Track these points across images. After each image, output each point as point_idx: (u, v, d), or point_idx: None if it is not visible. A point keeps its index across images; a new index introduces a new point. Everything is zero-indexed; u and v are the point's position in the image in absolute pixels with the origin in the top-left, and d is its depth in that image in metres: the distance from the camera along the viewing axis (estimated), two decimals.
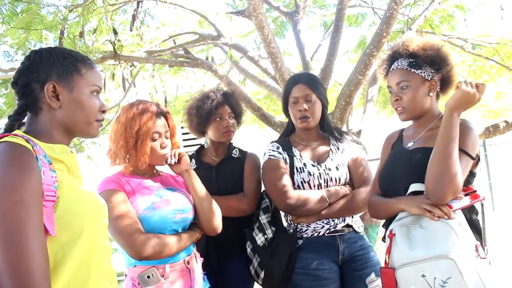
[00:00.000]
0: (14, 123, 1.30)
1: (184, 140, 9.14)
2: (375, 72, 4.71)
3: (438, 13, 5.50)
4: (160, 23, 6.04)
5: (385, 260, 1.77)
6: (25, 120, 1.34)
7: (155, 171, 2.07)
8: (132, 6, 5.33)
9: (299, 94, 2.32)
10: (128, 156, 1.93)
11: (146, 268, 1.82)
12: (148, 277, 1.80)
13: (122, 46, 4.88)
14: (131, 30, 5.29)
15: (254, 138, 6.12)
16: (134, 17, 5.34)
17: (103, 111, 1.41)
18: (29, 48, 4.48)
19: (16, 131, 1.28)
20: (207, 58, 5.73)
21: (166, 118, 2.01)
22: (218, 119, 2.52)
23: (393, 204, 1.84)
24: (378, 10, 5.79)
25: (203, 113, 2.52)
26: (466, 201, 1.72)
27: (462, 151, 1.74)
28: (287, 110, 2.40)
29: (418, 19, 4.88)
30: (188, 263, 1.93)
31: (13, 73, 1.35)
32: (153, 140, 1.93)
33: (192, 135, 2.72)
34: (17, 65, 4.79)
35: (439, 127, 1.82)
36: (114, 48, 4.28)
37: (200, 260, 2.03)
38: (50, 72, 1.29)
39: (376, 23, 5.91)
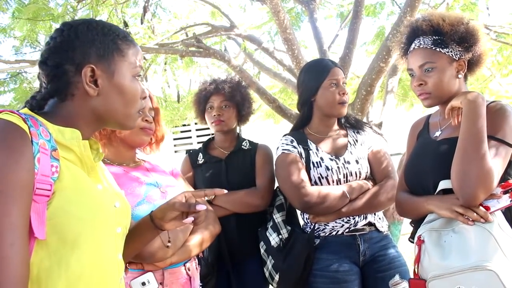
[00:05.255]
0: (34, 108, 1.08)
1: (198, 136, 9.04)
2: (395, 63, 4.52)
3: (460, 1, 5.29)
4: (172, 15, 5.90)
5: (414, 270, 1.56)
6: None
7: (137, 159, 1.86)
8: None
9: (339, 77, 2.15)
10: (102, 131, 1.70)
11: (140, 274, 1.60)
12: (144, 283, 1.59)
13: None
14: (142, 22, 5.16)
15: (269, 133, 5.95)
16: (145, 9, 5.22)
17: (144, 98, 1.19)
18: (37, 41, 4.38)
19: (24, 110, 1.07)
20: (221, 50, 5.57)
21: (151, 99, 1.85)
22: (209, 108, 2.44)
23: (421, 204, 1.62)
24: None
25: (197, 104, 2.49)
26: (505, 200, 1.47)
27: (500, 141, 1.51)
28: (312, 96, 2.16)
29: (439, 7, 4.67)
30: (189, 269, 1.74)
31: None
32: None
33: (207, 132, 2.59)
34: (24, 58, 4.72)
35: None
36: None
37: (198, 267, 1.85)
38: (88, 52, 1.07)
39: (395, 13, 5.72)
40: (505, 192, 1.49)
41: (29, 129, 0.96)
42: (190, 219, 1.25)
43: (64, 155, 1.03)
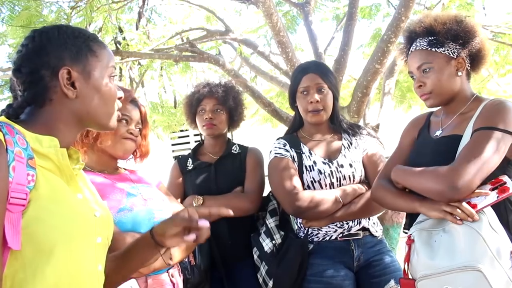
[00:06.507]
0: (11, 117, 1.05)
1: (196, 141, 9.00)
2: (392, 64, 4.49)
3: (456, 1, 5.26)
4: (167, 21, 5.88)
5: (404, 270, 1.56)
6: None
7: (118, 168, 1.84)
8: (138, 3, 5.18)
9: (310, 83, 2.10)
10: (85, 138, 1.67)
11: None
12: None
13: (128, 45, 4.74)
14: (137, 28, 5.14)
15: (267, 138, 5.92)
16: (140, 15, 5.20)
17: (119, 98, 1.19)
18: None
19: (1, 118, 1.04)
20: (216, 55, 5.55)
21: (140, 112, 1.82)
22: (202, 111, 2.40)
23: (412, 204, 1.60)
24: (393, 0, 5.55)
25: (188, 106, 2.45)
26: (493, 197, 1.45)
27: (502, 130, 1.50)
28: (294, 102, 2.19)
29: (435, 8, 4.65)
30: (173, 276, 1.71)
31: None
32: (120, 121, 1.71)
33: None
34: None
35: (473, 110, 1.61)
36: (116, 45, 4.12)
37: (181, 274, 1.82)
38: (62, 55, 1.06)
39: (391, 14, 5.68)
40: (493, 189, 1.47)
41: (4, 137, 0.94)
42: (192, 236, 1.17)
43: (42, 164, 1.00)
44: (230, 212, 1.23)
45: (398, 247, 4.19)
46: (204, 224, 1.16)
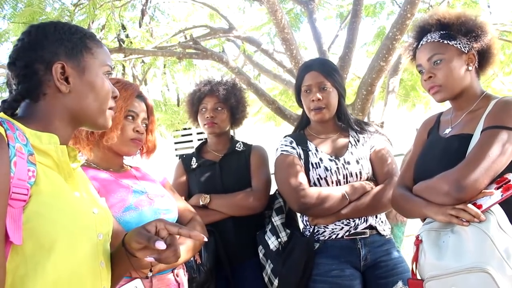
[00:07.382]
0: (7, 111, 1.05)
1: (199, 140, 8.99)
2: (396, 62, 4.47)
3: (461, 0, 5.23)
4: (170, 18, 5.87)
5: (412, 270, 1.55)
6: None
7: (124, 166, 1.81)
8: (141, 1, 5.17)
9: (312, 82, 2.09)
10: (91, 136, 1.64)
11: (128, 281, 1.52)
12: None
13: (131, 42, 4.72)
14: (140, 26, 5.12)
15: (270, 136, 5.89)
16: (143, 13, 5.19)
17: (115, 97, 1.18)
18: None
19: (0, 114, 1.04)
20: (219, 52, 5.53)
21: (147, 106, 1.79)
22: (203, 110, 2.38)
23: (419, 208, 1.60)
24: None
25: (190, 105, 2.44)
26: (497, 196, 1.43)
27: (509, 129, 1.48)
28: (300, 100, 2.18)
29: (440, 6, 4.62)
30: (178, 275, 1.69)
31: None
32: (126, 118, 1.69)
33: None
34: None
35: (482, 108, 1.59)
36: (119, 42, 4.10)
37: (186, 274, 1.80)
38: (57, 50, 1.07)
39: (395, 13, 5.66)
40: (498, 187, 1.45)
41: (5, 132, 0.94)
42: (150, 259, 1.08)
43: (41, 160, 1.00)
44: (204, 238, 1.11)
45: (402, 246, 4.17)
46: (160, 245, 1.03)
